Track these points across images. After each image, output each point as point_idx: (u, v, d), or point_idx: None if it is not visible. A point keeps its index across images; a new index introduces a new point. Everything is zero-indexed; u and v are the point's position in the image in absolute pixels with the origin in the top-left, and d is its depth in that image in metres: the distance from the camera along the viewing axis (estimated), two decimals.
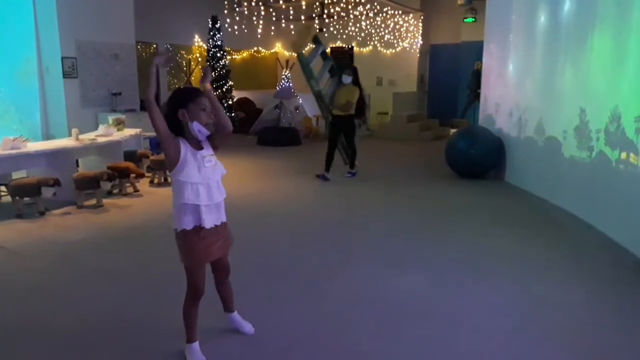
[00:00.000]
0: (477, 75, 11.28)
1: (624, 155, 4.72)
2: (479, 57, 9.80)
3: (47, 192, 5.55)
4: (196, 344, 2.73)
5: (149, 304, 3.48)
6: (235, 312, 3.02)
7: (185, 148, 2.51)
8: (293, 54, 15.91)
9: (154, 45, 12.76)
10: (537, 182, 6.75)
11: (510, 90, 7.78)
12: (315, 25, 14.20)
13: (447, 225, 5.40)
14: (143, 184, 7.19)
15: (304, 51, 8.40)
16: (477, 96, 11.14)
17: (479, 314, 3.34)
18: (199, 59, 13.77)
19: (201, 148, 2.58)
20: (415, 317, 3.28)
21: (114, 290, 3.74)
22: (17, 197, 5.63)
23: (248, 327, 3.00)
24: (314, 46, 8.73)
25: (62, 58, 8.47)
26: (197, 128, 2.49)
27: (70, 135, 6.93)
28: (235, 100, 13.57)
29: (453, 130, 11.29)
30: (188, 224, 2.54)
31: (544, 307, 3.45)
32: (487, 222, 5.56)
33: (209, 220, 2.57)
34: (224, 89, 13.04)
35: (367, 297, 3.60)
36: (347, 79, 7.63)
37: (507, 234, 5.11)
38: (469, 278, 3.95)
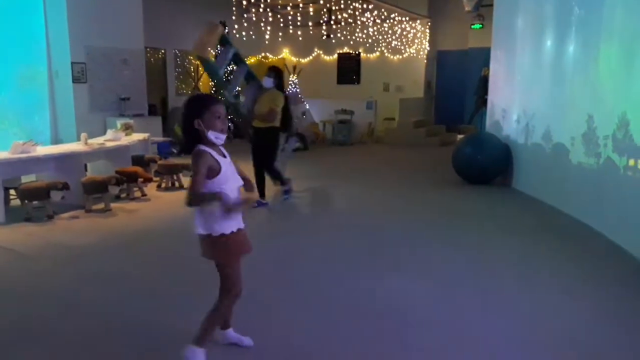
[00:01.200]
0: (485, 81, 11.27)
1: (631, 162, 4.70)
2: (486, 63, 9.80)
3: (56, 196, 5.60)
4: (204, 351, 2.69)
5: (156, 308, 3.49)
6: (231, 329, 2.96)
7: (218, 157, 2.55)
8: (301, 59, 16.01)
9: (162, 51, 12.86)
10: (544, 188, 6.72)
11: (518, 96, 7.76)
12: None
13: (453, 232, 5.39)
14: (151, 189, 7.22)
15: (209, 55, 7.40)
16: (484, 102, 11.12)
17: (483, 322, 3.33)
18: None
19: (225, 155, 2.64)
20: (419, 325, 3.27)
21: (121, 293, 3.76)
22: (26, 201, 5.68)
23: (247, 341, 2.95)
24: (221, 49, 7.85)
25: (72, 63, 8.56)
26: (214, 136, 2.54)
27: (79, 139, 6.99)
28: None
29: (460, 137, 11.28)
30: (227, 228, 2.58)
31: (551, 315, 3.42)
32: (493, 228, 5.55)
33: (238, 222, 2.65)
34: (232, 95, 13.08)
35: (370, 305, 3.59)
36: (268, 82, 6.29)
37: (514, 240, 5.10)
38: (475, 285, 3.94)
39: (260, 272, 4.12)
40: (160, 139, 9.59)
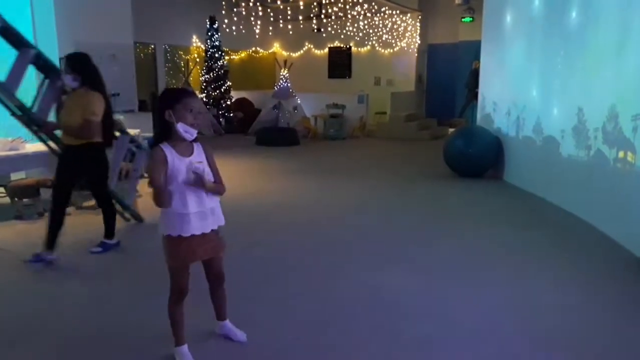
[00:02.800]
0: (475, 74, 11.30)
1: (621, 154, 4.74)
2: (477, 56, 9.83)
3: (46, 194, 5.54)
4: (185, 347, 2.72)
5: (147, 306, 3.48)
6: (227, 321, 2.96)
7: (171, 155, 2.47)
8: (291, 53, 15.96)
9: (152, 46, 12.77)
10: (535, 181, 6.77)
11: (508, 89, 7.80)
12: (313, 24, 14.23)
13: (445, 225, 5.41)
14: (142, 186, 7.17)
15: None
16: (475, 95, 11.16)
17: (476, 314, 3.35)
18: (197, 60, 13.76)
19: (191, 153, 2.55)
20: (412, 318, 3.29)
21: (113, 291, 3.75)
22: (16, 199, 5.63)
23: (240, 335, 2.94)
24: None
25: (60, 58, 8.46)
26: (183, 129, 2.46)
27: None
28: (233, 100, 13.58)
29: (451, 130, 11.31)
30: (173, 230, 2.53)
31: (542, 307, 3.45)
32: (485, 221, 5.58)
33: (197, 227, 2.55)
34: (222, 90, 13.04)
35: (364, 298, 3.60)
36: (68, 80, 4.32)
37: (505, 232, 5.13)
38: (467, 278, 3.96)
39: (253, 266, 4.12)
40: (151, 134, 9.52)
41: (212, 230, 2.63)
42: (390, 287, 3.78)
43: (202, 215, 2.56)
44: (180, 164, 2.48)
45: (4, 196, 6.10)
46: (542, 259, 4.38)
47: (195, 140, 2.57)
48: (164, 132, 2.50)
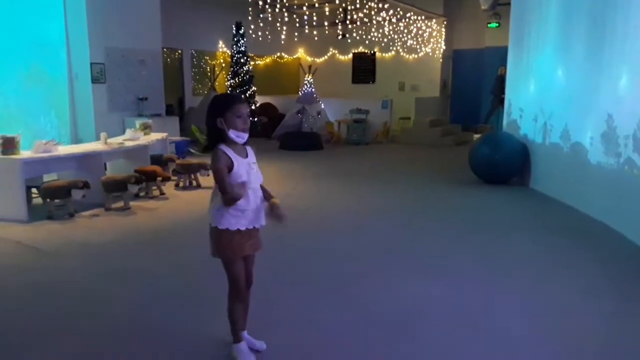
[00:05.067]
0: (501, 80, 11.20)
1: None
2: (503, 62, 9.73)
3: (77, 195, 5.69)
4: (244, 344, 2.80)
5: (174, 306, 3.54)
6: (245, 332, 2.95)
7: (233, 156, 2.62)
8: (316, 59, 16.04)
9: (179, 51, 12.98)
10: (562, 188, 6.67)
11: (535, 95, 7.71)
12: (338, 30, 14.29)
13: (470, 232, 5.37)
14: (169, 187, 7.30)
15: None
16: (501, 102, 11.06)
17: (502, 321, 3.32)
18: (223, 65, 13.94)
19: (246, 155, 2.71)
20: (437, 325, 3.27)
21: (140, 291, 3.82)
22: (48, 199, 5.78)
23: (259, 344, 2.95)
24: None
25: (91, 64, 8.68)
26: (235, 134, 2.61)
27: (98, 139, 7.10)
28: (258, 105, 13.70)
29: (476, 136, 11.22)
30: (232, 225, 2.65)
31: (570, 315, 3.40)
32: (510, 228, 5.52)
33: (251, 222, 2.70)
34: (247, 94, 13.17)
35: (389, 303, 3.60)
36: None
37: (532, 241, 5.07)
38: (492, 285, 3.93)
39: (275, 270, 4.15)
40: (178, 138, 9.69)
41: (260, 225, 2.77)
42: (415, 293, 3.76)
43: (256, 211, 2.72)
44: (242, 163, 2.65)
45: (37, 197, 6.27)
46: (570, 267, 4.31)
47: (246, 143, 2.72)
48: (218, 137, 2.64)
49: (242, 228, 2.68)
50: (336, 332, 3.17)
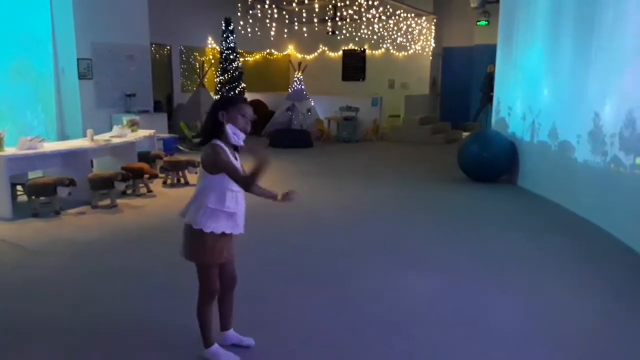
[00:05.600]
0: (490, 78, 11.23)
1: (638, 160, 4.68)
2: (492, 60, 9.76)
3: (63, 192, 5.62)
4: (217, 346, 2.75)
5: (161, 303, 3.51)
6: (232, 329, 2.95)
7: (231, 154, 2.55)
8: (306, 56, 16.00)
9: (168, 47, 12.87)
10: (550, 186, 6.71)
11: (524, 93, 7.74)
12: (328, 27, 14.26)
13: (460, 230, 5.39)
14: (156, 185, 7.24)
15: None
16: (490, 99, 11.10)
17: (492, 318, 3.34)
18: (212, 61, 13.86)
19: (236, 158, 2.64)
20: (428, 323, 3.29)
21: (126, 289, 3.79)
22: (34, 197, 5.71)
23: (247, 341, 2.94)
24: None
25: (78, 59, 8.58)
26: (232, 130, 2.54)
27: (85, 135, 7.02)
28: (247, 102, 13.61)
29: (465, 134, 11.25)
30: (218, 228, 2.58)
31: (558, 313, 3.43)
32: (500, 226, 5.54)
33: (236, 227, 2.65)
34: (236, 91, 13.10)
35: (378, 301, 3.60)
36: None
37: (520, 238, 5.09)
38: (482, 283, 3.95)
39: (269, 268, 4.13)
40: (166, 135, 9.61)
41: (238, 233, 2.70)
42: (405, 291, 3.77)
43: (242, 216, 2.68)
44: (237, 165, 2.59)
45: (22, 194, 6.19)
46: (559, 266, 4.34)
47: (237, 149, 2.63)
48: (214, 132, 2.56)
49: (228, 232, 2.61)
50: (328, 329, 3.16)
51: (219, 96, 2.95)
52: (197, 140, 9.72)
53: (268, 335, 3.01)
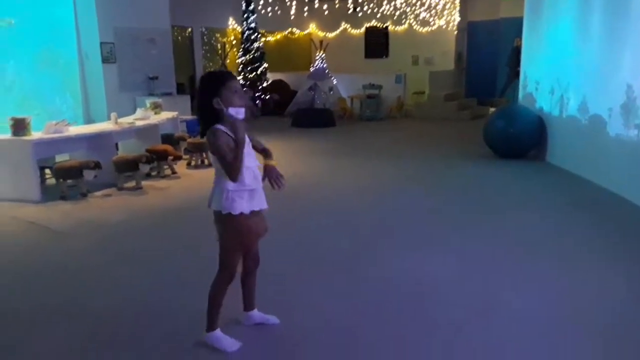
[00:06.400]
0: (517, 52, 10.91)
1: None
2: (519, 33, 9.47)
3: (89, 175, 5.70)
4: (219, 331, 2.72)
5: (186, 286, 3.54)
6: (256, 309, 2.94)
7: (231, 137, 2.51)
8: (328, 34, 15.81)
9: (189, 29, 12.86)
10: (580, 162, 6.51)
11: (552, 67, 7.49)
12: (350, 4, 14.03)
13: (485, 208, 5.29)
14: (181, 166, 7.30)
15: None
16: (517, 74, 10.80)
17: (515, 302, 3.25)
18: (234, 42, 13.80)
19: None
20: (447, 304, 3.23)
21: (151, 271, 3.83)
22: (61, 180, 5.81)
23: (272, 319, 2.94)
24: None
25: (101, 43, 8.63)
26: (234, 112, 2.48)
27: (109, 119, 7.09)
28: (269, 82, 13.57)
29: (492, 110, 11.02)
30: (246, 208, 2.55)
31: (587, 298, 3.31)
32: (527, 203, 5.42)
33: (259, 203, 2.62)
34: (258, 72, 13.05)
35: (398, 281, 3.56)
36: None
37: (548, 215, 4.97)
38: (506, 261, 3.87)
39: (283, 249, 4.12)
40: (189, 117, 9.64)
41: (263, 208, 2.67)
42: (427, 271, 3.72)
43: (261, 192, 2.64)
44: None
45: (50, 177, 6.31)
46: (588, 243, 4.22)
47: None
48: (214, 117, 2.51)
49: (256, 209, 2.60)
50: (344, 311, 3.13)
51: (202, 79, 2.86)
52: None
53: (283, 318, 2.99)
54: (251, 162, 2.57)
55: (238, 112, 2.49)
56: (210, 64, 13.45)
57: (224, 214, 2.55)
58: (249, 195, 2.57)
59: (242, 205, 2.55)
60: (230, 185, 2.52)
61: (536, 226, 4.67)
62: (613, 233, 4.46)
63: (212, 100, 2.48)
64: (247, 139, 2.56)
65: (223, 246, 2.64)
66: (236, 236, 2.60)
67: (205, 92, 2.52)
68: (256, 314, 2.95)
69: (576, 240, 4.28)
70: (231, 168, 2.46)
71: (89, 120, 8.51)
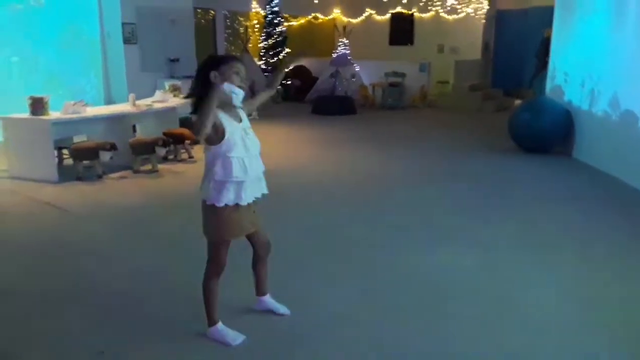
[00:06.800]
0: (547, 43, 10.56)
1: None
2: (549, 23, 9.15)
3: (105, 156, 5.68)
4: (221, 324, 2.66)
5: (199, 272, 3.47)
6: (268, 295, 2.89)
7: (225, 117, 2.40)
8: (352, 20, 15.58)
9: (212, 12, 12.76)
10: (609, 159, 6.27)
11: (583, 59, 7.21)
12: None
13: (507, 203, 5.13)
14: (197, 150, 7.23)
15: None
16: (545, 65, 10.48)
17: (536, 301, 3.13)
18: (257, 26, 13.67)
19: (240, 120, 2.48)
20: (465, 297, 3.15)
21: (165, 254, 3.80)
22: (78, 160, 5.81)
23: (282, 309, 2.89)
24: None
25: (123, 24, 8.60)
26: (230, 89, 2.36)
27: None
28: (291, 67, 13.42)
29: (518, 102, 10.73)
30: (231, 200, 2.45)
31: (611, 301, 3.17)
32: (551, 200, 5.24)
33: (251, 195, 2.51)
34: (280, 57, 12.92)
35: (415, 273, 3.48)
36: None
37: (573, 214, 4.79)
38: (525, 258, 3.74)
39: (301, 239, 4.04)
40: None
41: (255, 198, 2.56)
42: (445, 264, 3.62)
43: (257, 180, 2.53)
44: (236, 129, 2.43)
45: (68, 158, 6.32)
46: (612, 243, 4.04)
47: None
48: (205, 92, 2.34)
49: (243, 203, 2.46)
50: (360, 306, 3.05)
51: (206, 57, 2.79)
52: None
53: (295, 311, 2.92)
54: (240, 152, 2.42)
55: (234, 91, 2.37)
56: (233, 47, 13.35)
57: (208, 204, 2.47)
58: (236, 188, 2.44)
59: (228, 197, 2.43)
60: (217, 174, 2.42)
61: (558, 222, 4.51)
62: (638, 233, 4.27)
63: (209, 72, 2.37)
64: (240, 126, 2.44)
65: (207, 238, 2.56)
66: (218, 229, 2.50)
67: (205, 65, 2.43)
68: (267, 299, 2.90)
69: (604, 240, 4.10)
70: (196, 123, 2.30)
71: (109, 101, 8.53)
